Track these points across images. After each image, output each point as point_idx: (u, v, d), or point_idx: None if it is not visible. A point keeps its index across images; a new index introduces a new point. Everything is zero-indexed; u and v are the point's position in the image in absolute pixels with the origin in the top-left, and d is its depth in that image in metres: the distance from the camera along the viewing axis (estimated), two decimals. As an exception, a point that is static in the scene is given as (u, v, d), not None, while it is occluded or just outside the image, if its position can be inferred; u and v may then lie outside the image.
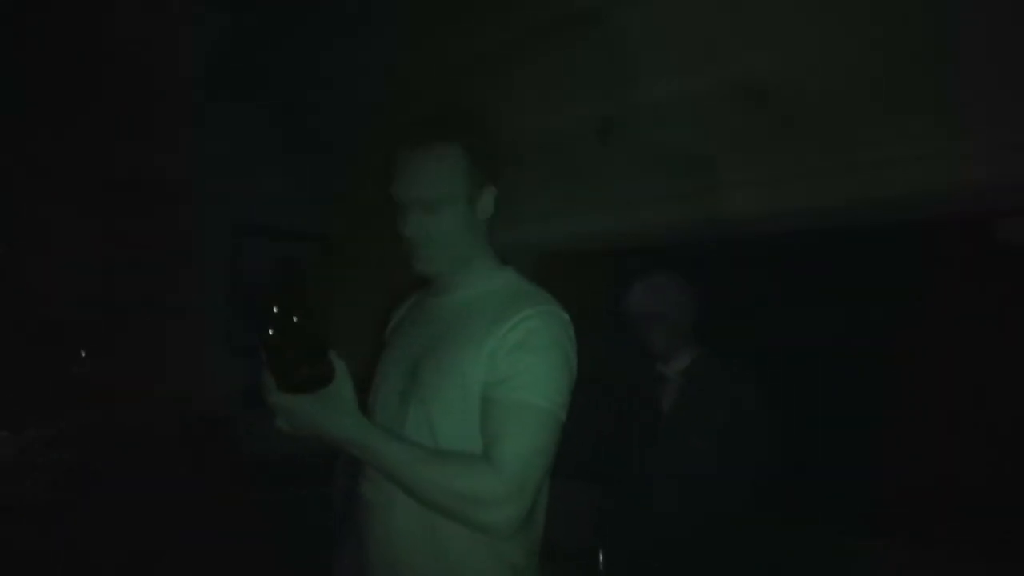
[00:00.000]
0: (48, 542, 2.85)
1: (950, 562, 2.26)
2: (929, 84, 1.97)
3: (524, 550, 1.32)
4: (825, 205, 2.30)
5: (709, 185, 2.55)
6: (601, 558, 2.22)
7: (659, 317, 2.45)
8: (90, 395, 3.37)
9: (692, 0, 2.14)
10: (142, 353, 3.47)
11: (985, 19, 1.79)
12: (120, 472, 3.22)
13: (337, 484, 2.71)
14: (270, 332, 1.08)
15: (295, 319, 1.09)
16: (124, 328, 3.47)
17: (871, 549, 2.41)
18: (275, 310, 1.09)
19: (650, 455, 2.44)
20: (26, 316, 3.17)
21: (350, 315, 2.91)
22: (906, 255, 2.51)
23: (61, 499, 3.03)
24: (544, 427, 1.23)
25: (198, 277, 3.68)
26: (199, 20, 3.00)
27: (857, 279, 2.63)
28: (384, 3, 2.52)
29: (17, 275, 3.09)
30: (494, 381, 1.24)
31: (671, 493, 2.32)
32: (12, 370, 3.16)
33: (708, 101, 2.36)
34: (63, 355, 3.38)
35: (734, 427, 2.30)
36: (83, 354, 3.42)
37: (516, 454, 1.19)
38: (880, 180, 2.15)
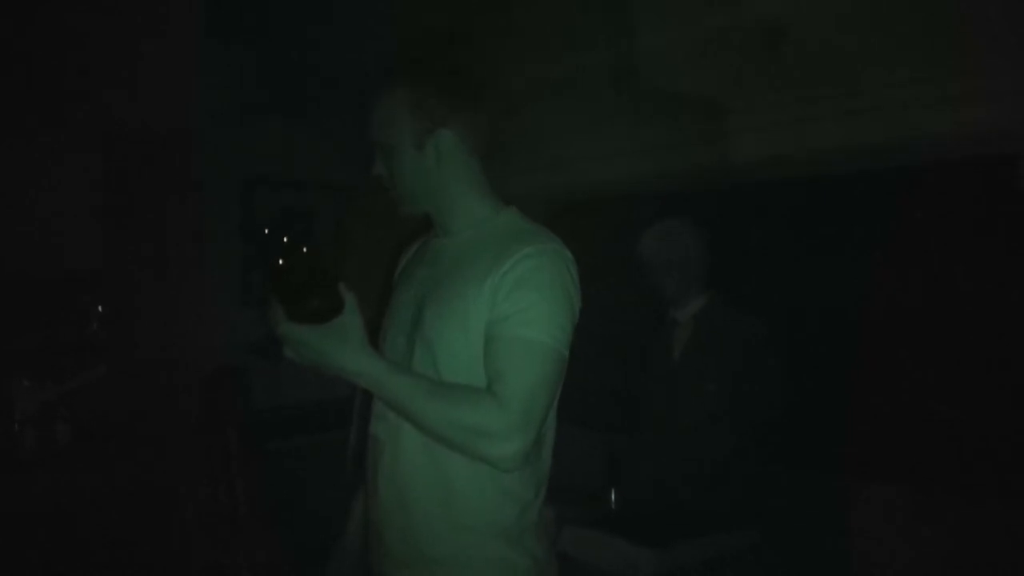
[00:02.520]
0: (72, 489, 2.92)
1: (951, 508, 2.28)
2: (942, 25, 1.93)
3: (531, 484, 1.34)
4: (838, 149, 2.27)
5: (721, 130, 2.51)
6: (613, 498, 2.26)
7: (670, 262, 2.47)
8: (106, 348, 3.41)
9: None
10: (154, 305, 3.50)
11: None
12: (137, 422, 3.28)
13: (351, 430, 2.74)
14: (280, 262, 1.09)
15: (304, 249, 1.09)
16: (135, 280, 3.49)
17: (877, 494, 2.43)
18: (285, 240, 1.09)
19: (661, 399, 2.46)
20: (40, 270, 3.19)
21: (363, 262, 2.92)
22: (922, 199, 2.47)
23: (82, 449, 3.09)
24: (547, 362, 1.24)
25: (209, 228, 3.67)
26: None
27: (871, 225, 2.59)
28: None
29: (27, 228, 3.09)
30: (496, 318, 1.25)
31: (681, 436, 2.35)
32: (29, 323, 3.19)
33: (720, 45, 2.32)
34: (78, 308, 3.42)
35: (744, 372, 2.32)
36: (100, 308, 3.45)
37: (520, 388, 1.20)
38: (896, 122, 2.12)
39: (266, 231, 1.10)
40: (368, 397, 2.84)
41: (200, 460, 3.28)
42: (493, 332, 1.25)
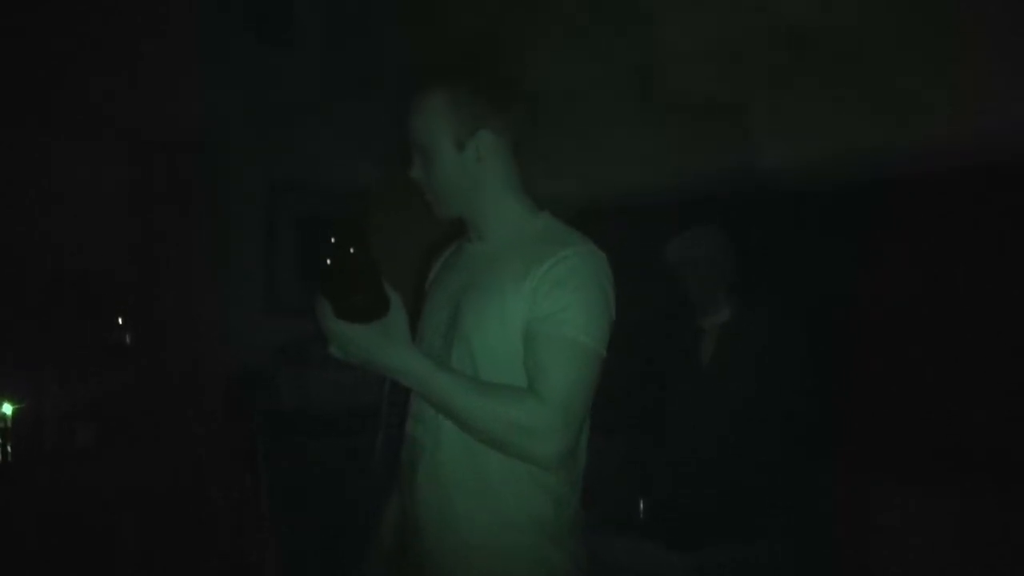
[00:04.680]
0: (92, 489, 2.95)
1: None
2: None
3: (567, 483, 1.35)
4: (863, 152, 2.26)
5: (747, 134, 2.52)
6: (642, 505, 2.26)
7: (696, 269, 2.47)
8: (132, 351, 3.45)
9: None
10: (181, 309, 3.53)
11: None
12: (165, 424, 3.32)
13: (379, 434, 2.76)
14: (328, 261, 1.11)
15: (352, 250, 1.11)
16: (163, 285, 3.53)
17: (906, 495, 2.41)
18: (333, 240, 1.11)
19: (689, 406, 2.46)
20: (67, 273, 3.22)
21: (391, 268, 2.92)
22: (950, 204, 2.45)
23: (109, 449, 3.12)
24: (586, 362, 1.24)
25: (235, 232, 3.71)
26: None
27: (897, 229, 2.57)
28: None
29: (53, 232, 3.13)
30: (536, 318, 1.26)
31: (709, 444, 2.34)
32: (54, 325, 3.23)
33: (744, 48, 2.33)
34: (104, 311, 3.46)
35: (771, 381, 2.31)
36: (126, 312, 3.48)
37: (561, 387, 1.21)
38: (917, 126, 2.11)
39: (315, 231, 1.12)
40: (396, 401, 2.86)
41: (224, 461, 3.32)
42: (533, 332, 1.26)
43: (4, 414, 3.01)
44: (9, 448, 2.96)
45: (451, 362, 1.32)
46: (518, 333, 1.28)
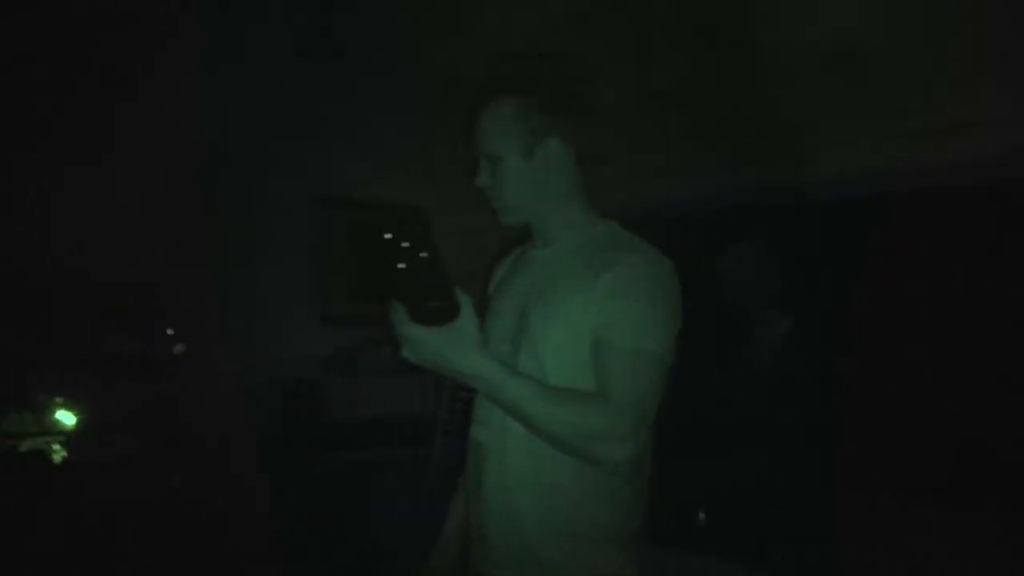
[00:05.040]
0: (140, 494, 2.99)
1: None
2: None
3: (633, 491, 1.35)
4: (911, 166, 2.23)
5: (799, 148, 2.50)
6: (701, 516, 2.24)
7: (747, 283, 2.45)
8: (178, 362, 3.50)
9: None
10: (232, 320, 3.58)
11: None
12: (213, 434, 3.36)
13: (437, 440, 2.77)
14: (400, 266, 1.11)
15: (423, 254, 1.11)
16: (214, 295, 3.57)
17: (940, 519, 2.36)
18: (404, 245, 1.11)
19: (740, 419, 2.43)
20: (113, 281, 3.28)
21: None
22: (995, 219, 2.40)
23: (155, 457, 3.16)
24: (655, 368, 1.25)
25: (285, 243, 3.76)
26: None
27: (949, 242, 2.53)
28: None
29: (104, 244, 3.18)
30: (605, 325, 1.27)
31: (761, 456, 2.32)
32: (99, 335, 3.28)
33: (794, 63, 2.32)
34: (156, 320, 3.51)
35: (821, 394, 2.28)
36: (173, 323, 3.54)
37: (631, 393, 1.21)
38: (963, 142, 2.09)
39: (387, 236, 1.12)
40: (455, 408, 2.87)
41: (273, 471, 3.35)
42: (602, 338, 1.26)
43: (65, 424, 3.08)
44: (69, 456, 3.03)
45: (518, 367, 1.33)
46: (586, 339, 1.29)
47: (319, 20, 2.76)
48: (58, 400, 3.11)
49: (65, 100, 3.06)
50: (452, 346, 1.16)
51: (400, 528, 2.95)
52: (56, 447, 3.08)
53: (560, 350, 1.31)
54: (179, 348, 3.55)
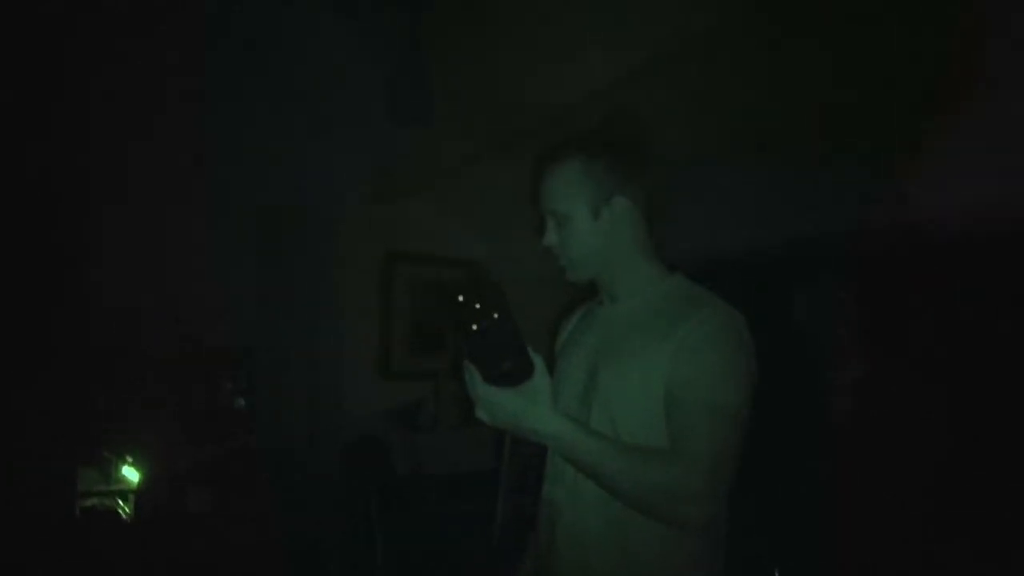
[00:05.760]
0: (210, 548, 3.02)
1: None
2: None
3: (710, 548, 1.31)
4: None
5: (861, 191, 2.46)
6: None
7: (826, 325, 2.41)
8: (249, 419, 3.57)
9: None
10: (299, 378, 3.64)
11: None
12: (282, 489, 3.39)
13: (500, 497, 2.75)
14: (474, 327, 1.12)
15: (496, 315, 1.12)
16: (281, 352, 3.64)
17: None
18: (477, 306, 1.12)
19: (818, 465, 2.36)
20: (182, 339, 3.37)
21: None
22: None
23: (226, 510, 3.20)
24: (731, 425, 1.22)
25: (351, 302, 3.82)
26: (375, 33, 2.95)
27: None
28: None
29: (176, 300, 3.28)
30: (677, 383, 1.25)
31: (852, 509, 2.24)
32: (178, 389, 3.37)
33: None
34: (223, 380, 3.60)
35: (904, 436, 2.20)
36: (244, 381, 3.62)
37: (707, 451, 1.19)
38: None
39: (460, 298, 1.13)
40: (517, 465, 2.84)
41: (337, 527, 3.36)
42: (677, 395, 1.24)
43: (129, 479, 3.14)
44: (131, 511, 3.08)
45: (590, 425, 1.31)
46: (658, 396, 1.27)
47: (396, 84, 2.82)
48: (124, 457, 3.18)
49: (154, 169, 3.21)
50: (527, 406, 1.16)
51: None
52: (122, 503, 3.15)
53: (632, 408, 1.29)
54: (240, 403, 3.62)
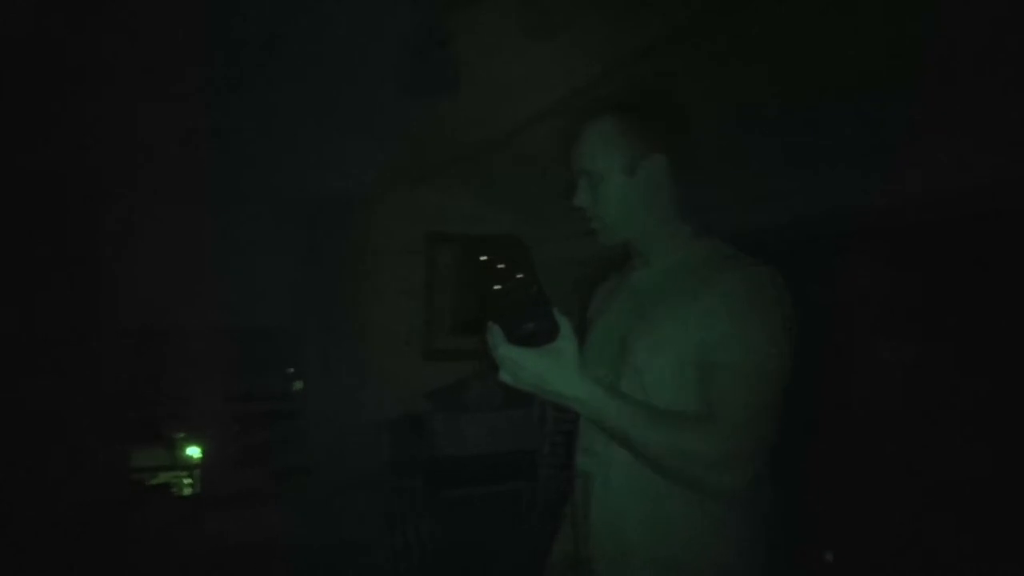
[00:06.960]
0: (262, 530, 3.09)
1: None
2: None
3: (749, 525, 1.27)
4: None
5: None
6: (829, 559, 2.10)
7: (855, 306, 2.34)
8: (297, 400, 3.64)
9: None
10: (344, 359, 3.68)
11: None
12: (325, 470, 3.45)
13: (538, 478, 2.74)
14: (496, 287, 1.10)
15: (519, 275, 1.10)
16: (328, 336, 3.69)
17: None
18: (500, 266, 1.10)
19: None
20: (237, 327, 3.44)
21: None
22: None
23: (276, 491, 3.28)
24: (767, 388, 1.17)
25: (394, 284, 3.85)
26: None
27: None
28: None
29: (223, 289, 3.35)
30: (709, 345, 1.21)
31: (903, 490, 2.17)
32: (228, 378, 3.45)
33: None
34: (273, 362, 3.67)
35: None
36: (293, 364, 3.69)
37: (741, 415, 1.15)
38: None
39: (483, 258, 1.12)
40: (557, 441, 2.82)
41: (386, 506, 3.40)
42: (708, 358, 1.21)
43: (193, 457, 3.25)
44: (197, 487, 3.19)
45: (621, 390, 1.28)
46: (690, 360, 1.23)
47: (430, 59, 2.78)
48: (186, 435, 3.30)
49: (190, 163, 3.26)
50: (551, 368, 1.12)
51: (506, 562, 2.92)
52: (186, 480, 3.25)
53: (664, 373, 1.25)
54: (298, 385, 3.71)
